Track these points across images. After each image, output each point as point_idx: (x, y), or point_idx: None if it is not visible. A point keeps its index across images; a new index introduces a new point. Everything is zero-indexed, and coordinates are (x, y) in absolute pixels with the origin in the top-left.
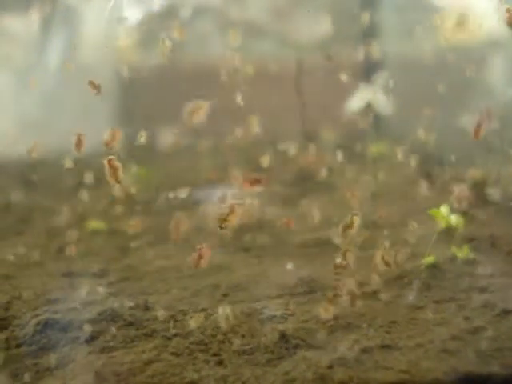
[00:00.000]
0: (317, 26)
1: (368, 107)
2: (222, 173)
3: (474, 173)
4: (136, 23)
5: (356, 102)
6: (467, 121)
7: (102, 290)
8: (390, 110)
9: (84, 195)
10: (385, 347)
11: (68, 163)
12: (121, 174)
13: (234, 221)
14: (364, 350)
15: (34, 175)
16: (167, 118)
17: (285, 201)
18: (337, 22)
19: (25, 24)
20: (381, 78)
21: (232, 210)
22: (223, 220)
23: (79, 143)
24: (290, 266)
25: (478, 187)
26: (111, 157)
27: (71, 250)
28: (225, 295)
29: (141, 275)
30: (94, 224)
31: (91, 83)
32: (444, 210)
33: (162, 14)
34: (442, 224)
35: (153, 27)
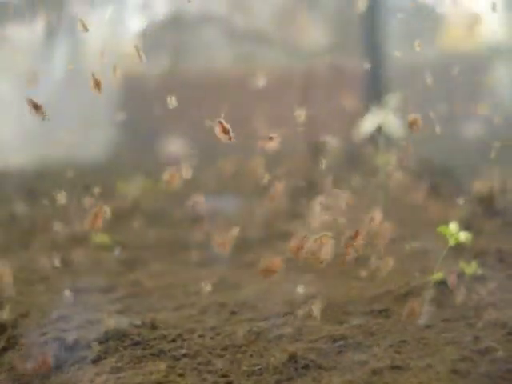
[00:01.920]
0: (320, 34)
1: (379, 130)
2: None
3: (481, 184)
4: (140, 32)
5: (367, 125)
6: (471, 130)
7: (108, 306)
8: (402, 133)
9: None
10: (395, 368)
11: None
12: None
13: (327, 254)
14: (374, 372)
15: (37, 185)
16: (171, 128)
17: (291, 213)
18: (340, 30)
19: (28, 32)
20: (393, 99)
21: (322, 244)
22: (315, 255)
23: None
24: (297, 281)
25: (485, 199)
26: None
27: (77, 265)
28: (232, 313)
29: (148, 291)
30: (100, 237)
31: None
32: (453, 227)
33: (166, 23)
34: (451, 241)
35: (157, 36)
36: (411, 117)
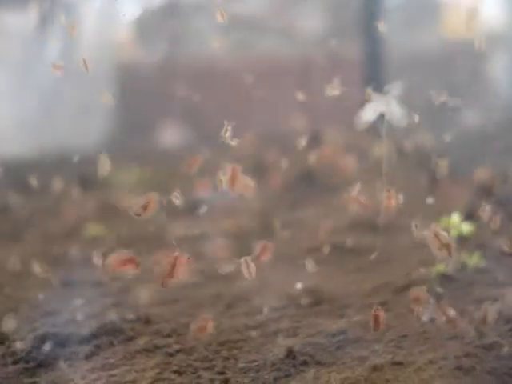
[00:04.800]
0: (319, 20)
1: (381, 119)
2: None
3: (482, 174)
4: (135, 20)
5: (368, 113)
6: (471, 118)
7: (101, 300)
8: (405, 122)
9: (84, 198)
10: (396, 364)
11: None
12: None
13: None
14: (375, 368)
15: (31, 176)
16: (166, 116)
17: (290, 203)
18: (338, 16)
19: (23, 21)
20: (395, 87)
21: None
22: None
23: None
24: (295, 274)
25: (486, 189)
26: None
27: (69, 258)
28: (228, 306)
29: (141, 284)
30: (94, 229)
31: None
32: (455, 218)
33: (161, 10)
34: (453, 233)
35: (151, 24)
36: None
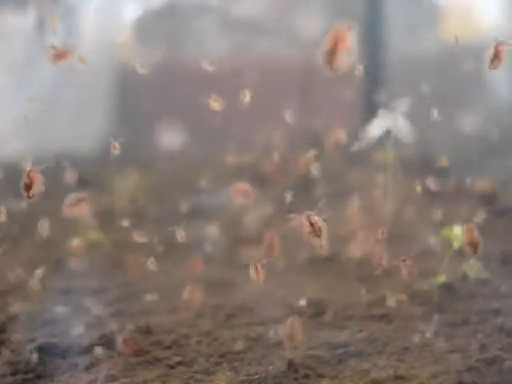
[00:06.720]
0: (319, 24)
1: (387, 134)
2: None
3: (482, 182)
4: (135, 21)
5: (375, 128)
6: (471, 124)
7: (101, 309)
8: (411, 138)
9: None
10: (398, 378)
11: None
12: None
13: None
14: (377, 382)
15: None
16: (167, 119)
17: (288, 211)
18: (338, 18)
19: (22, 21)
20: (402, 104)
21: None
22: None
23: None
24: (296, 284)
25: (487, 197)
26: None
27: (69, 265)
28: (229, 316)
29: (141, 293)
30: (94, 235)
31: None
32: (457, 229)
33: (161, 11)
34: (455, 244)
35: (151, 25)
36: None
